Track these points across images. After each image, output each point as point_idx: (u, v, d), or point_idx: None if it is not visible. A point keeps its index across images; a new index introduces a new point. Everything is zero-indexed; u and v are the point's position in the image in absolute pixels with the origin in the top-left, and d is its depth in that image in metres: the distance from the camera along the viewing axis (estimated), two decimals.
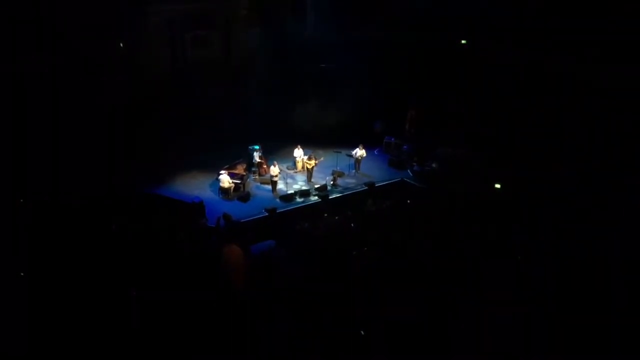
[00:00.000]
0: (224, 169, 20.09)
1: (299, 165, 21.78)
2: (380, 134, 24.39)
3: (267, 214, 18.56)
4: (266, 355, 12.05)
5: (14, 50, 18.84)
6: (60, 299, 12.86)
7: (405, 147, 23.75)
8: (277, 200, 19.79)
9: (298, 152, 21.82)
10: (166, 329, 12.38)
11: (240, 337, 12.28)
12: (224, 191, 19.73)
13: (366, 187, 20.67)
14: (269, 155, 21.90)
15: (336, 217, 18.72)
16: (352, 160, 22.12)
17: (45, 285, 13.32)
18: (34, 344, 11.70)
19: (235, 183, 19.97)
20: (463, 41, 24.28)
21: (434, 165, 22.03)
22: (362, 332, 12.65)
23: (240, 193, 19.94)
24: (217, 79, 25.02)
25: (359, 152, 21.88)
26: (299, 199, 19.81)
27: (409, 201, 19.86)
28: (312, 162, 21.00)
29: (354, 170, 22.08)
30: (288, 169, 21.85)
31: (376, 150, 24.25)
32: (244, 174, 20.65)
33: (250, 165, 21.47)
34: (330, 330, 12.51)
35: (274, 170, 20.11)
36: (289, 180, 21.05)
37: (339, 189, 20.68)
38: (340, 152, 22.15)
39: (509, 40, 22.73)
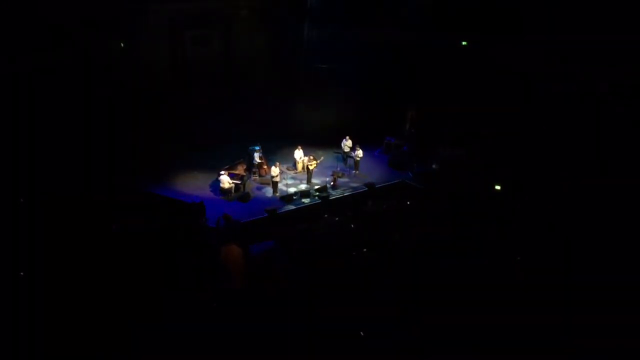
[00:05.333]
0: (224, 170, 20.10)
1: (300, 166, 21.79)
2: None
3: (267, 214, 18.56)
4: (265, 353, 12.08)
5: (14, 48, 18.83)
6: (59, 298, 12.87)
7: (405, 147, 23.78)
8: (278, 200, 19.78)
9: (298, 153, 21.83)
10: (166, 328, 12.43)
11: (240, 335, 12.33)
12: (224, 192, 19.74)
13: (366, 188, 20.67)
14: (270, 156, 21.91)
15: (336, 218, 18.73)
16: (352, 161, 22.16)
17: (44, 284, 13.32)
18: (33, 344, 11.72)
19: (235, 183, 19.97)
20: (464, 42, 24.27)
21: (434, 166, 22.02)
22: (361, 332, 12.69)
23: (240, 193, 19.95)
24: (217, 79, 25.03)
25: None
26: (299, 200, 19.79)
27: (408, 202, 19.87)
28: (314, 164, 21.03)
29: (354, 171, 22.10)
30: (288, 170, 21.86)
31: (376, 151, 24.26)
32: (244, 174, 20.65)
33: (251, 165, 21.47)
34: (330, 330, 12.54)
35: (275, 170, 20.10)
36: (289, 182, 21.05)
37: (339, 189, 20.67)
38: (339, 153, 22.20)
39: (509, 41, 22.73)
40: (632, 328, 12.64)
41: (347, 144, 22.22)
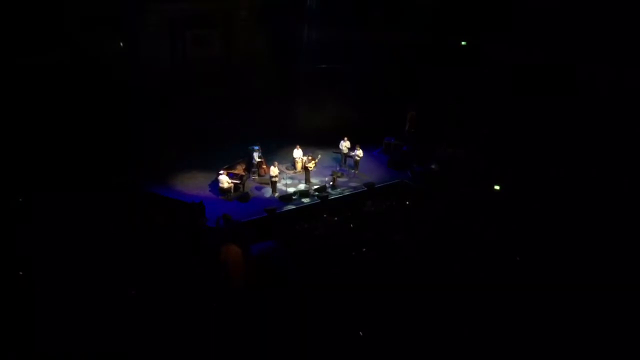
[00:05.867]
0: (223, 169, 20.10)
1: (299, 165, 21.80)
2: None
3: (266, 214, 18.57)
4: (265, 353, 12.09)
5: (14, 48, 18.83)
6: (59, 298, 12.88)
7: (404, 148, 23.79)
8: (277, 200, 19.79)
9: (297, 153, 21.84)
10: (166, 328, 12.43)
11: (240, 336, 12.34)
12: (224, 191, 19.74)
13: (365, 188, 20.67)
14: (269, 156, 21.91)
15: (335, 218, 18.74)
16: (351, 161, 22.16)
17: (44, 284, 13.34)
18: (32, 343, 11.73)
19: (235, 183, 19.97)
20: (463, 42, 24.30)
21: (433, 166, 22.04)
22: (360, 333, 12.70)
23: (239, 193, 19.95)
24: (217, 78, 25.01)
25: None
26: (298, 200, 19.80)
27: (407, 202, 19.88)
28: (312, 163, 21.04)
29: (353, 171, 22.11)
30: (287, 170, 21.86)
31: (375, 151, 24.28)
32: (244, 174, 20.65)
33: (250, 165, 21.46)
34: (329, 331, 12.55)
35: (274, 170, 20.11)
36: (288, 181, 21.04)
37: (339, 189, 20.67)
38: (338, 153, 22.21)
39: (509, 41, 22.77)
40: (632, 327, 12.69)
41: (345, 144, 22.24)
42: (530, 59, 22.23)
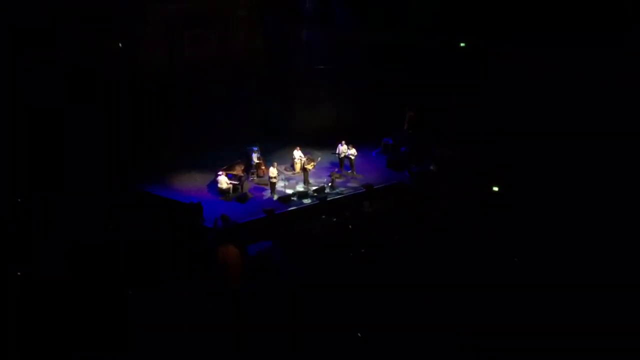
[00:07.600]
0: (222, 170, 20.09)
1: (298, 166, 21.77)
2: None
3: (265, 215, 18.54)
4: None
5: (12, 48, 18.82)
6: (58, 298, 12.85)
7: (403, 148, 23.78)
8: (275, 201, 19.76)
9: (297, 154, 21.81)
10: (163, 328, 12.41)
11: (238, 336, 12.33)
12: (222, 192, 19.72)
13: (364, 189, 20.65)
14: (268, 156, 21.89)
15: (334, 219, 18.73)
16: (347, 162, 22.12)
17: (43, 284, 13.31)
18: (31, 344, 11.72)
19: (233, 184, 19.96)
20: (462, 44, 24.33)
21: (431, 167, 22.04)
22: (358, 334, 12.69)
23: (238, 194, 19.92)
24: (215, 79, 25.00)
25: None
26: (297, 200, 19.78)
27: (406, 203, 19.87)
28: (311, 165, 21.04)
29: (350, 170, 22.05)
30: (286, 171, 21.84)
31: (374, 152, 24.28)
32: (242, 174, 20.63)
33: (249, 166, 21.43)
34: (327, 331, 12.53)
35: (273, 171, 20.09)
36: (286, 182, 21.02)
37: (337, 190, 20.64)
38: (337, 154, 22.24)
39: (508, 41, 22.79)
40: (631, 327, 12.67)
41: (342, 149, 22.15)
42: (530, 60, 22.26)
